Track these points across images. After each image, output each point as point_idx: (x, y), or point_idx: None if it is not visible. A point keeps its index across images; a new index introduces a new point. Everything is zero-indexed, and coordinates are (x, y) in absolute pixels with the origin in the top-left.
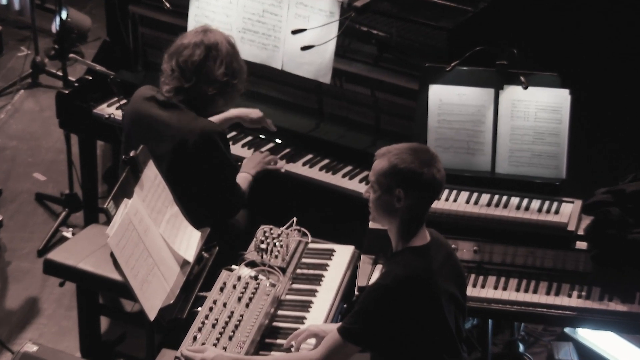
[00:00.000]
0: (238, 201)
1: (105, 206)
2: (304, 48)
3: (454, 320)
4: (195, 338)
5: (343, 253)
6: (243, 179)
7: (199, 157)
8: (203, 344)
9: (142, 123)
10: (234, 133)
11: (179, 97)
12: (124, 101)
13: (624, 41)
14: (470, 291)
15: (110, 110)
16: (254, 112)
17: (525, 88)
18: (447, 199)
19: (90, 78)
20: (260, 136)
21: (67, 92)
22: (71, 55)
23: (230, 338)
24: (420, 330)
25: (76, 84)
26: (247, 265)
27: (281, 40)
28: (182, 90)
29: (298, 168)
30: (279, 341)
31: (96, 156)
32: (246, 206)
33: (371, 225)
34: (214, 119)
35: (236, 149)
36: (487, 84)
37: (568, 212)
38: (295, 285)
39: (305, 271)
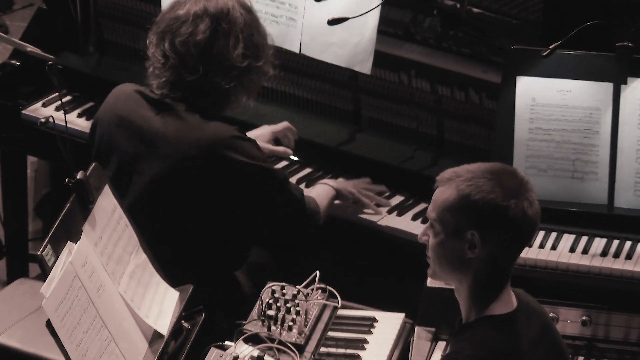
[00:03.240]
0: (304, 214)
1: (39, 253)
2: (333, 22)
3: None
4: None
5: (389, 324)
6: (321, 191)
7: (214, 181)
8: None
9: (128, 132)
10: None
11: (176, 94)
12: (67, 98)
13: None
14: None
15: (48, 111)
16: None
17: None
18: (542, 246)
19: (19, 64)
20: None
21: None
22: None
23: None
24: None
25: None
26: (247, 340)
27: (300, 10)
28: (183, 85)
29: None
30: None
31: (26, 179)
32: (247, 256)
33: (430, 283)
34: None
35: None
36: (602, 77)
37: None
38: None
39: (333, 350)
